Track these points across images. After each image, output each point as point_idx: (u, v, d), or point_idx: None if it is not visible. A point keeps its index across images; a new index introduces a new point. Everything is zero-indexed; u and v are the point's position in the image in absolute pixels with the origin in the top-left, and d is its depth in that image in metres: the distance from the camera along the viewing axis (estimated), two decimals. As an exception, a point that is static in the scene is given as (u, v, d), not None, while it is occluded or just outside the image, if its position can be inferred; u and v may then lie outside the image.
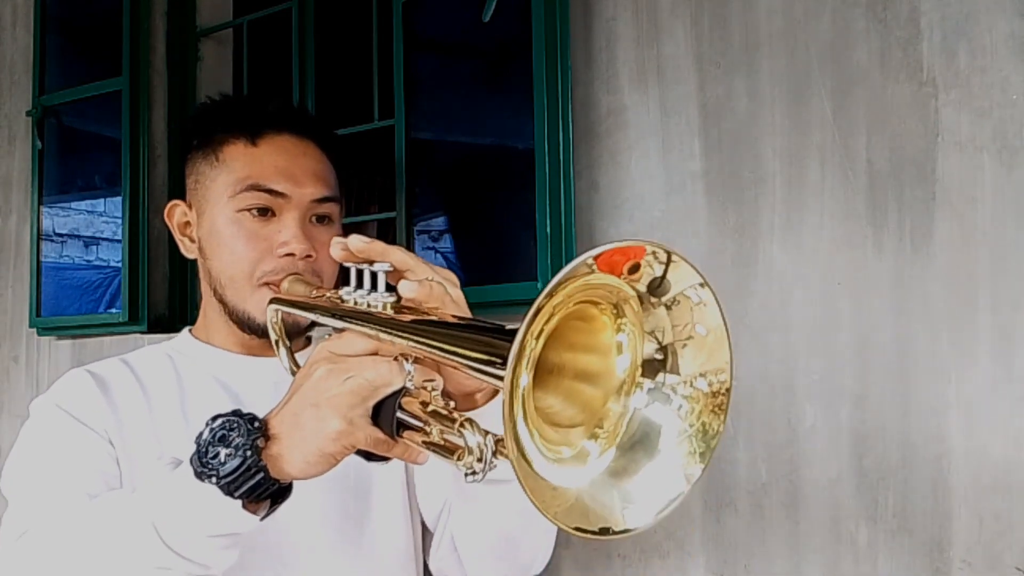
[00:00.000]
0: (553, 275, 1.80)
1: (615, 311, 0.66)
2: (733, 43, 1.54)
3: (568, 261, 1.78)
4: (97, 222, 2.66)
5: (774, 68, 1.49)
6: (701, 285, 0.63)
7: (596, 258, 0.59)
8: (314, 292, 0.99)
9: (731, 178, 1.53)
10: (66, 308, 2.57)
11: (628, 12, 1.66)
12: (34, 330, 2.62)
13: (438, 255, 2.03)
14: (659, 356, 0.67)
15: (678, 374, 0.66)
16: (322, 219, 1.11)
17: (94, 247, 2.70)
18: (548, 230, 1.63)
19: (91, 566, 0.80)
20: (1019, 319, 1.27)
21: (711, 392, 0.66)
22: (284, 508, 0.81)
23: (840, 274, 1.42)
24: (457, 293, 0.80)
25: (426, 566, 1.15)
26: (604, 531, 0.63)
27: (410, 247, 1.88)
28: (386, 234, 2.44)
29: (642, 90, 1.64)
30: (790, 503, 1.45)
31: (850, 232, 1.41)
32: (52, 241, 2.62)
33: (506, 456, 0.63)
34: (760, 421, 1.48)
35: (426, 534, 1.14)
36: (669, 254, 0.61)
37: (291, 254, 1.06)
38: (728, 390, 0.66)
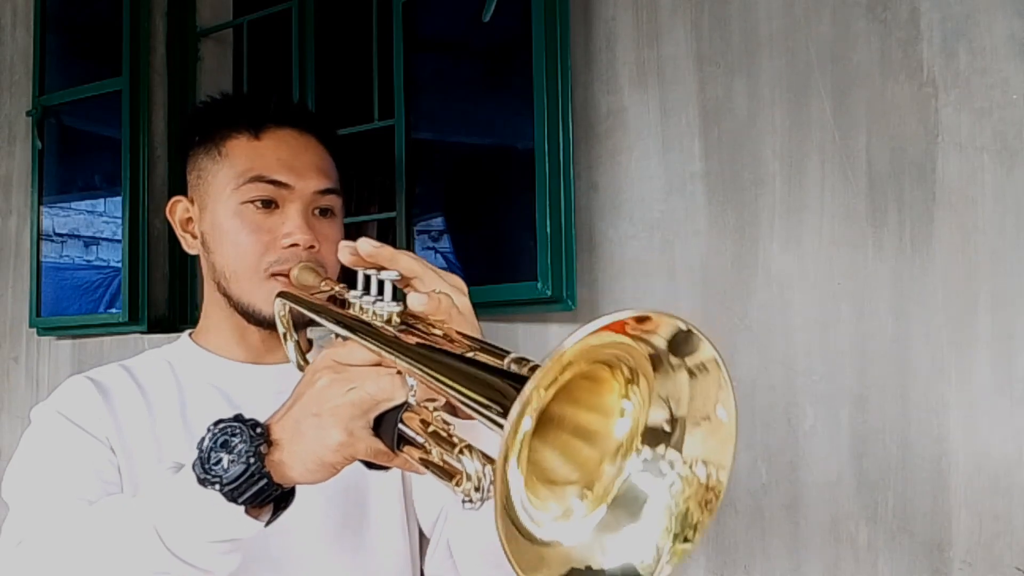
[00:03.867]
0: (553, 275, 1.77)
1: (629, 376, 0.61)
2: (733, 43, 1.54)
3: (568, 261, 1.76)
4: (97, 222, 2.66)
5: (774, 68, 1.49)
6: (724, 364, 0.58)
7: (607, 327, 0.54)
8: (323, 283, 0.99)
9: (731, 178, 1.53)
10: (66, 308, 2.57)
11: (628, 12, 1.66)
12: (34, 330, 2.62)
13: (438, 255, 2.02)
14: (667, 428, 0.62)
15: (680, 452, 0.62)
16: (325, 212, 1.11)
17: (94, 247, 2.70)
18: (548, 230, 1.63)
19: (92, 571, 0.79)
20: (1019, 319, 1.27)
21: (706, 485, 0.61)
22: (284, 515, 0.81)
23: (840, 274, 1.42)
24: (464, 303, 0.79)
25: (422, 572, 1.15)
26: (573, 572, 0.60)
27: (410, 247, 1.88)
28: (386, 234, 2.44)
29: (642, 90, 1.64)
30: (790, 504, 1.45)
31: (850, 232, 1.41)
32: (52, 241, 2.62)
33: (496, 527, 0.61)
34: (760, 421, 1.48)
35: (423, 540, 1.14)
36: (691, 330, 0.56)
37: (295, 244, 1.06)
38: (720, 493, 0.61)
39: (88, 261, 2.71)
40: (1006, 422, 1.28)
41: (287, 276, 1.05)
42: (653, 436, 0.63)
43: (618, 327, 0.55)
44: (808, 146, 1.46)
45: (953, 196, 1.33)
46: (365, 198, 2.98)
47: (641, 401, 0.62)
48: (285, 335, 1.03)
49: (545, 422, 0.63)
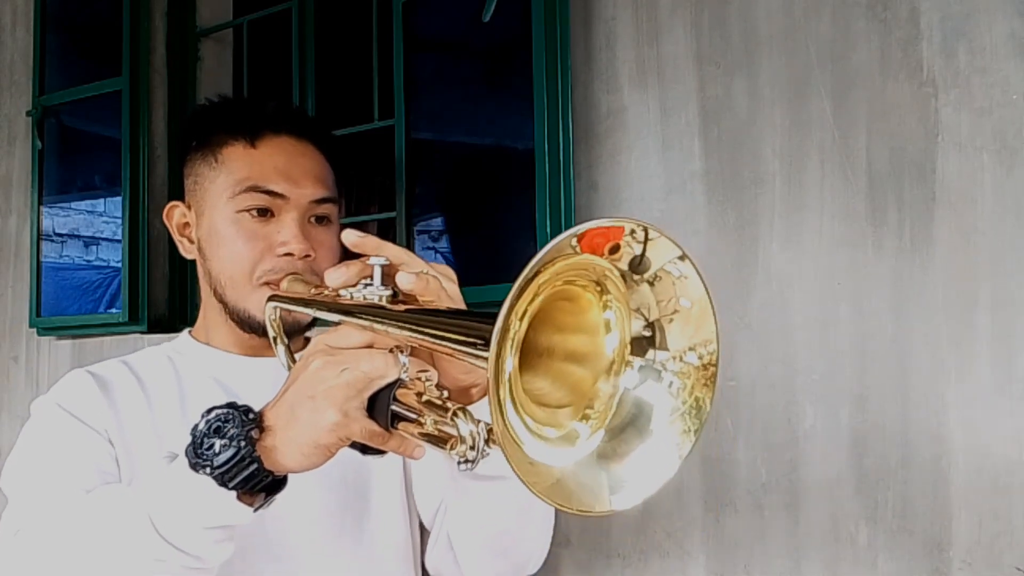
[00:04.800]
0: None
1: (598, 288, 0.66)
2: (733, 43, 1.54)
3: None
4: (97, 222, 2.66)
5: (774, 68, 1.49)
6: (680, 259, 0.63)
7: (579, 238, 0.59)
8: (312, 290, 0.99)
9: (731, 178, 1.53)
10: (66, 308, 2.57)
11: (628, 12, 1.66)
12: (34, 330, 2.62)
13: (438, 255, 2.03)
14: (647, 333, 0.66)
15: (667, 350, 0.66)
16: (321, 220, 1.11)
17: (94, 247, 2.71)
18: (548, 230, 1.63)
19: (87, 559, 0.80)
20: (1019, 319, 1.27)
21: (701, 365, 0.65)
22: (284, 505, 0.81)
23: (840, 274, 1.42)
24: (453, 288, 0.80)
25: (423, 565, 1.16)
26: (585, 511, 0.63)
27: (410, 247, 1.88)
28: (386, 234, 2.43)
29: (642, 90, 1.64)
30: (790, 503, 1.45)
31: (850, 232, 1.41)
32: (52, 241, 2.62)
33: (496, 442, 0.64)
34: (760, 421, 1.48)
35: (423, 533, 1.14)
36: (646, 230, 0.61)
37: (290, 254, 1.06)
38: (717, 361, 0.65)
39: (88, 261, 2.71)
40: (1006, 422, 1.28)
41: (278, 286, 1.06)
42: (639, 345, 0.67)
43: (598, 249, 0.61)
44: (808, 146, 1.46)
45: (953, 196, 1.33)
46: (365, 198, 2.98)
47: (620, 308, 0.66)
48: (275, 339, 1.04)
49: (535, 356, 0.66)
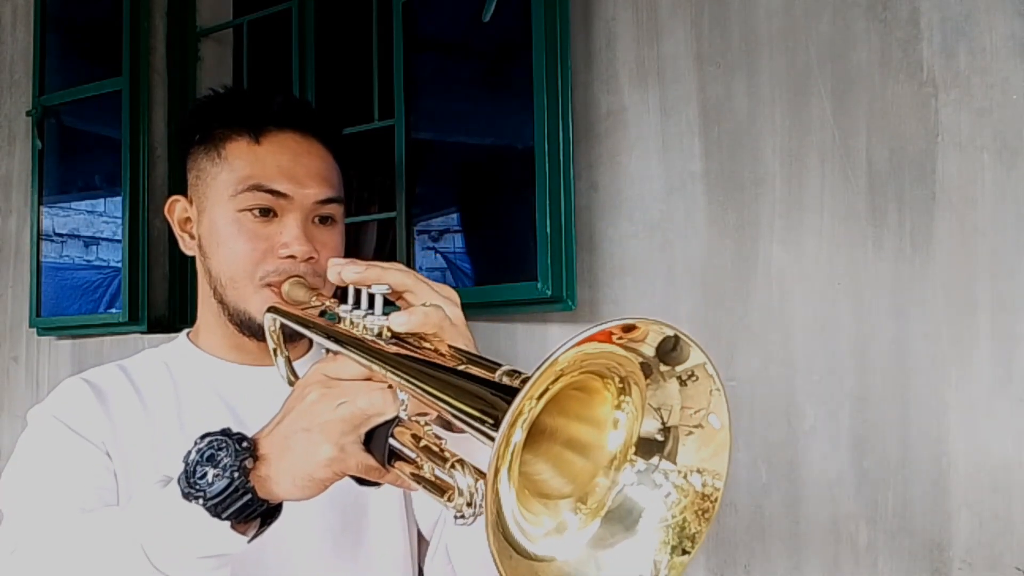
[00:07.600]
0: (553, 275, 1.75)
1: (620, 385, 0.61)
2: (733, 43, 1.54)
3: (568, 261, 1.75)
4: (97, 222, 2.66)
5: (774, 68, 1.49)
6: (717, 389, 0.58)
7: (624, 329, 0.55)
8: (314, 298, 0.98)
9: (731, 178, 1.53)
10: (66, 308, 2.57)
11: (628, 12, 1.66)
12: (34, 330, 2.62)
13: (438, 255, 2.03)
14: (660, 437, 0.62)
15: (674, 463, 0.62)
16: (325, 220, 1.09)
17: (94, 247, 2.70)
18: (548, 230, 1.63)
19: None
20: (1019, 319, 1.27)
21: (702, 493, 0.61)
22: (282, 520, 0.80)
23: (840, 274, 1.42)
24: (457, 314, 0.78)
25: (421, 572, 1.15)
26: None
27: (410, 247, 1.88)
28: (386, 234, 2.44)
29: (642, 90, 1.64)
30: (790, 503, 1.45)
31: (850, 232, 1.41)
32: (52, 241, 2.62)
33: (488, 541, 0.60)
34: (760, 421, 1.48)
35: (422, 542, 1.13)
36: (678, 337, 0.56)
37: (292, 256, 1.04)
38: (718, 501, 0.61)
39: (88, 261, 2.70)
40: (1006, 422, 1.28)
41: (279, 288, 1.04)
42: (646, 447, 0.62)
43: (604, 337, 0.55)
44: (808, 146, 1.46)
45: (953, 196, 1.33)
46: (365, 198, 2.98)
47: (634, 411, 0.61)
48: (275, 350, 1.01)
49: (537, 434, 0.62)
